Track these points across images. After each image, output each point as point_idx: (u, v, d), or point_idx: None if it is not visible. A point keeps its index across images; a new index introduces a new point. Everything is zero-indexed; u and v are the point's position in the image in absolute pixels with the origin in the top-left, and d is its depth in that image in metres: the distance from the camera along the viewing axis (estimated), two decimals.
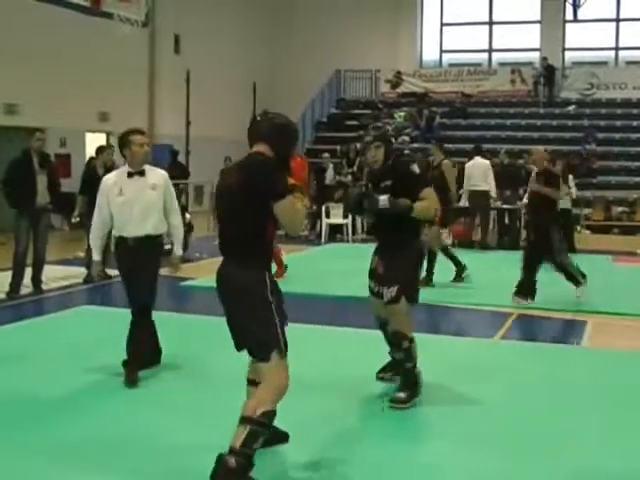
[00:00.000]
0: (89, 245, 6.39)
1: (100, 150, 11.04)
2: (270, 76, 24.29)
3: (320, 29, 24.81)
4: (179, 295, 9.87)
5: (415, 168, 5.26)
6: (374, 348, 6.03)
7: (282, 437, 4.45)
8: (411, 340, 5.23)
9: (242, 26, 23.37)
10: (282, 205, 3.82)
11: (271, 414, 3.81)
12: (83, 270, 10.27)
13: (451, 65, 25.64)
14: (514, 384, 5.88)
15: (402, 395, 5.16)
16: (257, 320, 3.85)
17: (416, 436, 4.75)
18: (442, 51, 26.22)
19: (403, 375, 5.30)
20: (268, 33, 24.83)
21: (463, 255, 13.58)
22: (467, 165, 14.73)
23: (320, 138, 23.76)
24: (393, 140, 5.43)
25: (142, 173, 5.65)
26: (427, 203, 5.17)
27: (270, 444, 4.17)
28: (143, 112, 20.02)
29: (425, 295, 9.45)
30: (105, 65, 17.58)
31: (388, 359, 5.62)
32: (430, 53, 26.29)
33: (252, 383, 4.17)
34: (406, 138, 21.91)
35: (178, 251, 6.01)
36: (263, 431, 3.78)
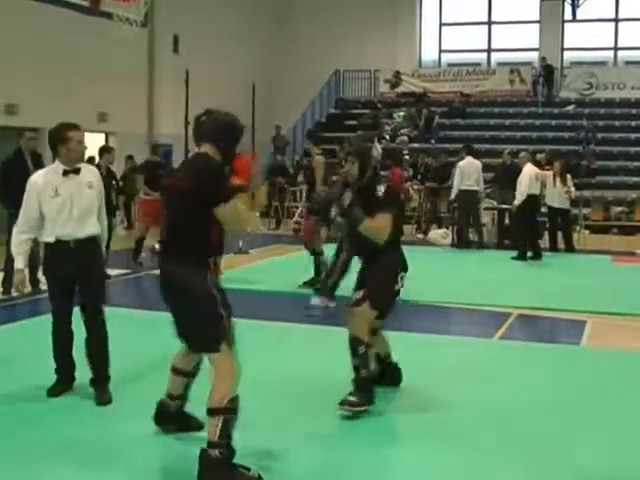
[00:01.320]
0: (9, 255, 5.81)
1: (106, 150, 11.12)
2: (269, 76, 24.26)
3: (319, 29, 24.79)
4: None
5: (380, 190, 5.12)
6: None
7: (195, 425, 4.59)
8: (367, 346, 5.10)
9: (241, 26, 23.35)
10: (223, 210, 3.93)
11: (236, 399, 3.99)
12: None
13: (450, 65, 25.63)
14: (513, 384, 5.88)
15: (353, 399, 4.97)
16: (204, 315, 4.03)
17: (416, 436, 4.75)
18: (441, 51, 26.20)
19: (357, 380, 5.07)
20: (267, 33, 24.82)
21: (464, 255, 13.65)
22: (460, 164, 14.67)
23: (319, 138, 23.73)
24: (373, 152, 5.47)
25: (77, 171, 5.26)
26: (376, 224, 5.05)
27: (184, 429, 4.56)
28: (142, 112, 20.01)
29: (425, 295, 9.58)
30: (104, 65, 17.56)
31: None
32: (429, 53, 26.28)
33: (177, 372, 4.56)
34: (405, 138, 21.93)
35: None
36: (233, 417, 3.97)
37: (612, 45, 24.70)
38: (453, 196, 14.70)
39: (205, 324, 4.03)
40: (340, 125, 23.44)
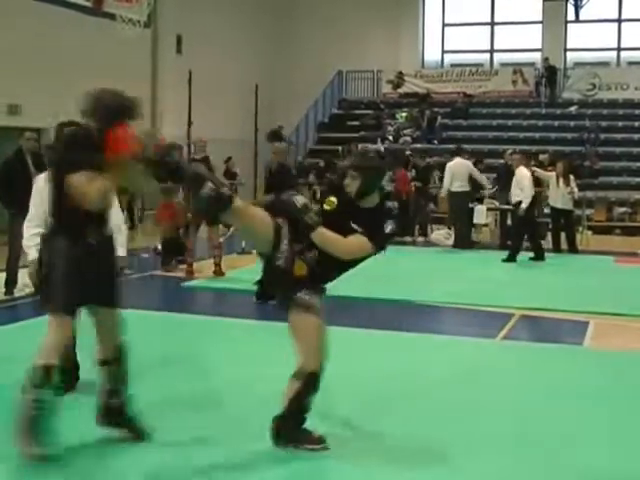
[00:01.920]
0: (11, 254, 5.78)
1: None
2: (272, 76, 24.27)
3: (322, 29, 24.80)
4: (179, 295, 9.87)
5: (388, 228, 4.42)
6: (373, 348, 6.06)
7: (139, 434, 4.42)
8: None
9: (244, 27, 23.37)
10: (71, 179, 3.96)
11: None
12: None
13: (453, 65, 25.62)
14: (516, 384, 5.87)
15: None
16: (54, 280, 4.11)
17: (414, 437, 4.74)
18: (444, 51, 26.19)
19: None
20: (270, 34, 24.82)
21: (465, 255, 13.63)
22: (449, 165, 14.64)
23: (322, 139, 23.77)
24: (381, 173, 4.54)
25: None
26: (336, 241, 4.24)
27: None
28: (145, 112, 19.89)
29: (427, 295, 9.58)
30: (107, 65, 17.55)
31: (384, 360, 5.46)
32: (432, 53, 26.27)
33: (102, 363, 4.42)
34: (408, 139, 21.93)
35: (121, 252, 5.33)
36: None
37: (615, 46, 24.68)
38: (443, 195, 14.76)
39: (50, 289, 4.16)
40: (343, 126, 23.45)
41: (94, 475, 4.11)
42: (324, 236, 4.19)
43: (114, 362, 4.38)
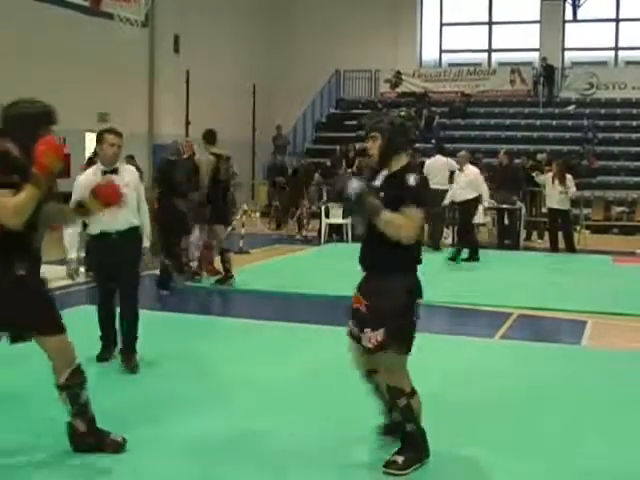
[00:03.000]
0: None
1: (130, 158, 11.34)
2: (270, 76, 24.28)
3: (320, 29, 24.80)
4: (179, 295, 9.86)
5: (411, 179, 4.04)
6: None
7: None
8: (410, 395, 4.17)
9: (242, 26, 23.36)
10: None
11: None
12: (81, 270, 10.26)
13: (451, 65, 25.64)
14: (514, 384, 5.87)
15: (399, 459, 4.13)
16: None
17: None
18: (442, 51, 26.22)
19: (403, 437, 4.24)
20: (268, 33, 24.82)
21: (463, 255, 13.61)
22: (427, 163, 14.45)
23: (320, 138, 23.77)
24: (403, 129, 4.25)
25: (115, 171, 5.85)
26: (401, 221, 3.94)
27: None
28: (143, 112, 20.02)
29: (425, 295, 9.52)
30: (105, 65, 17.57)
31: None
32: (430, 53, 26.29)
33: None
34: None
35: (146, 243, 6.23)
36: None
37: (613, 45, 24.72)
38: None
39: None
40: (340, 125, 23.45)
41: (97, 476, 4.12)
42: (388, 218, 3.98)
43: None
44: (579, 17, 24.29)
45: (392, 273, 4.07)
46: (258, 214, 18.44)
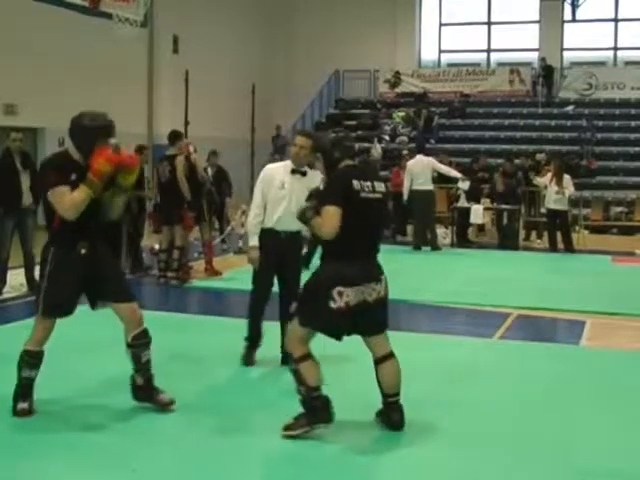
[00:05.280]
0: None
1: (140, 150, 11.39)
2: (269, 76, 24.27)
3: (319, 29, 24.80)
4: (179, 295, 9.87)
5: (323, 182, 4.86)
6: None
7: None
8: (298, 360, 4.60)
9: (241, 26, 23.36)
10: (49, 195, 4.68)
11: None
12: None
13: (450, 65, 25.64)
14: (513, 384, 5.88)
15: (292, 420, 4.57)
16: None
17: (415, 437, 4.74)
18: (441, 51, 26.22)
19: (300, 401, 4.63)
20: (267, 33, 24.82)
21: (462, 255, 13.63)
22: (409, 163, 14.44)
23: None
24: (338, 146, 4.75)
25: (304, 174, 5.91)
26: (319, 221, 4.55)
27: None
28: (142, 112, 20.01)
29: (424, 295, 9.59)
30: (104, 65, 17.56)
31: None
32: (429, 53, 26.30)
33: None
34: (404, 138, 21.93)
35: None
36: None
37: (612, 45, 24.73)
38: (405, 197, 14.22)
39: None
40: (340, 125, 23.40)
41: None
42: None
43: (129, 346, 4.92)
44: (578, 17, 24.30)
45: (324, 260, 4.70)
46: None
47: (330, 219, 4.46)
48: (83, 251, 4.75)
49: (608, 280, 10.97)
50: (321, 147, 4.91)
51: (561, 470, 4.27)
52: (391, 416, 4.77)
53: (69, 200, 4.59)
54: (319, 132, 4.92)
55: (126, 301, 4.90)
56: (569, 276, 11.40)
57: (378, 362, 4.78)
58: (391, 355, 4.80)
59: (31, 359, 4.84)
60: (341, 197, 4.47)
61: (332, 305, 4.47)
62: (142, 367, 4.92)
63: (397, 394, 4.79)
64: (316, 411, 4.54)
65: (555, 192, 13.67)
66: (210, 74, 21.06)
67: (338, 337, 4.68)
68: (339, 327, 4.60)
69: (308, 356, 4.59)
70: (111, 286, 4.88)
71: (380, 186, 4.72)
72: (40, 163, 5.01)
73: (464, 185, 14.67)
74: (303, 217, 4.66)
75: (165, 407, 4.94)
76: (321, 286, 4.54)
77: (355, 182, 4.56)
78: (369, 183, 4.63)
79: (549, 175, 14.09)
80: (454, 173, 14.45)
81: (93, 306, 4.99)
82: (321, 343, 4.76)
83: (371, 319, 4.67)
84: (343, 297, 4.47)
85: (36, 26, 15.91)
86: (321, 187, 4.85)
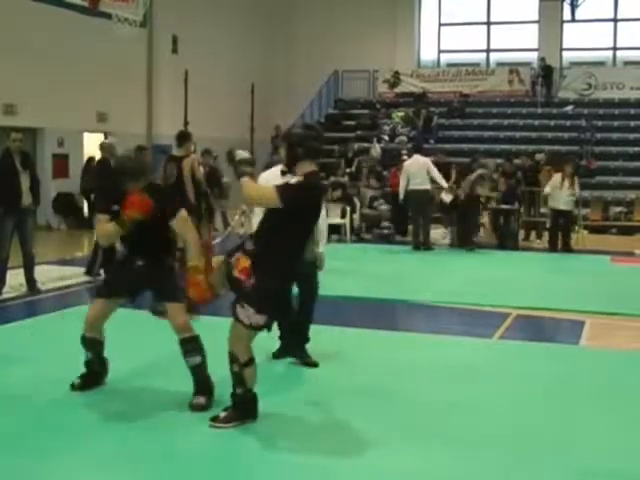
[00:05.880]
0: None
1: (140, 150, 11.38)
2: (268, 76, 24.28)
3: (318, 29, 24.80)
4: None
5: (294, 179, 4.69)
6: (369, 347, 6.04)
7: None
8: (243, 365, 4.69)
9: (240, 26, 23.36)
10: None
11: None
12: (81, 270, 10.29)
13: (449, 65, 25.65)
14: (512, 384, 5.88)
15: (222, 414, 4.77)
16: None
17: (414, 437, 4.75)
18: (440, 51, 26.23)
19: (231, 397, 4.79)
20: (266, 33, 24.82)
21: (461, 255, 13.64)
22: (405, 163, 14.43)
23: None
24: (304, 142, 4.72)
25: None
26: (254, 187, 4.80)
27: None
28: (141, 112, 20.01)
29: (424, 295, 9.59)
30: (103, 65, 17.57)
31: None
32: (428, 53, 26.30)
33: None
34: (404, 138, 21.93)
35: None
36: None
37: (611, 45, 24.74)
38: (401, 197, 14.23)
39: None
40: (339, 125, 23.45)
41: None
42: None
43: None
44: (577, 17, 24.30)
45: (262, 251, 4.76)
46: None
47: (266, 194, 4.62)
48: (140, 263, 5.27)
49: (607, 280, 10.98)
50: (287, 138, 4.90)
51: (561, 470, 4.27)
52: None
53: (101, 230, 5.35)
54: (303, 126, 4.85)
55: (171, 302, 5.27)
56: (569, 276, 11.40)
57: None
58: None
59: (82, 343, 5.37)
60: (296, 202, 4.51)
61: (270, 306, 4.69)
62: (190, 370, 5.15)
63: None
64: (247, 408, 4.79)
65: (568, 194, 13.72)
66: (209, 74, 21.07)
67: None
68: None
69: (252, 360, 4.74)
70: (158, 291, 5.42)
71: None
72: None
73: (447, 197, 14.66)
74: (235, 159, 4.72)
75: (194, 409, 5.01)
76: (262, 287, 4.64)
77: (320, 204, 4.82)
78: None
79: (558, 177, 14.06)
80: (442, 183, 14.33)
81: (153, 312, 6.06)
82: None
83: None
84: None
85: (36, 26, 15.91)
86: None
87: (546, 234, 14.57)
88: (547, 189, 14.19)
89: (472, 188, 14.20)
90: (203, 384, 5.11)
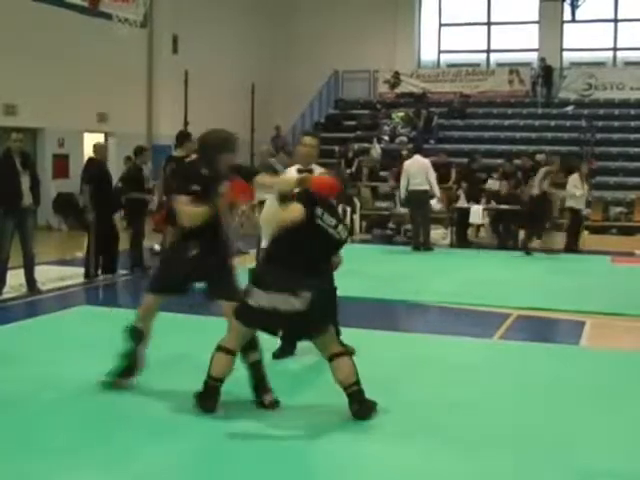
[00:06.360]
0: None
1: (140, 151, 11.50)
2: (268, 76, 24.27)
3: (318, 30, 24.78)
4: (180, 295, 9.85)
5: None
6: (369, 347, 6.04)
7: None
8: (223, 351, 5.01)
9: (240, 27, 23.35)
10: (175, 200, 5.18)
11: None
12: (81, 270, 10.28)
13: (449, 65, 25.62)
14: (513, 384, 5.88)
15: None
16: None
17: (414, 437, 4.75)
18: (440, 51, 26.20)
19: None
20: (266, 33, 24.81)
21: (462, 255, 13.64)
22: (406, 164, 14.38)
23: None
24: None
25: (310, 172, 5.98)
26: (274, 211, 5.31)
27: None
28: (141, 112, 20.01)
29: (424, 295, 9.59)
30: (103, 65, 17.57)
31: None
32: (428, 53, 26.28)
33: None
34: (404, 139, 21.92)
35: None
36: None
37: (611, 46, 24.70)
38: (402, 197, 14.30)
39: None
40: (339, 126, 23.44)
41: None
42: None
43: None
44: (577, 18, 24.27)
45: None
46: (257, 214, 18.40)
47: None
48: (193, 252, 5.16)
49: (608, 280, 10.98)
50: (202, 141, 5.36)
51: (561, 470, 4.27)
52: (351, 407, 4.94)
53: (188, 212, 5.06)
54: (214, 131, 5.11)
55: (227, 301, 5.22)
56: (569, 276, 11.40)
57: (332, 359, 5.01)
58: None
59: (130, 334, 5.38)
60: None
61: (251, 302, 4.86)
62: (248, 367, 5.15)
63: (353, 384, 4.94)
64: (208, 397, 4.93)
65: (584, 194, 13.87)
66: (210, 74, 21.06)
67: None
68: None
69: (233, 353, 4.96)
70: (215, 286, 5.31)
71: None
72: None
73: (436, 205, 14.66)
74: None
75: (268, 407, 5.06)
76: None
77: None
78: None
79: (576, 177, 14.15)
80: (435, 190, 14.22)
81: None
82: None
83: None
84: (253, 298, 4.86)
85: (36, 26, 15.91)
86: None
87: (546, 234, 14.53)
88: (574, 190, 14.24)
89: (540, 186, 13.96)
90: (264, 380, 5.14)
